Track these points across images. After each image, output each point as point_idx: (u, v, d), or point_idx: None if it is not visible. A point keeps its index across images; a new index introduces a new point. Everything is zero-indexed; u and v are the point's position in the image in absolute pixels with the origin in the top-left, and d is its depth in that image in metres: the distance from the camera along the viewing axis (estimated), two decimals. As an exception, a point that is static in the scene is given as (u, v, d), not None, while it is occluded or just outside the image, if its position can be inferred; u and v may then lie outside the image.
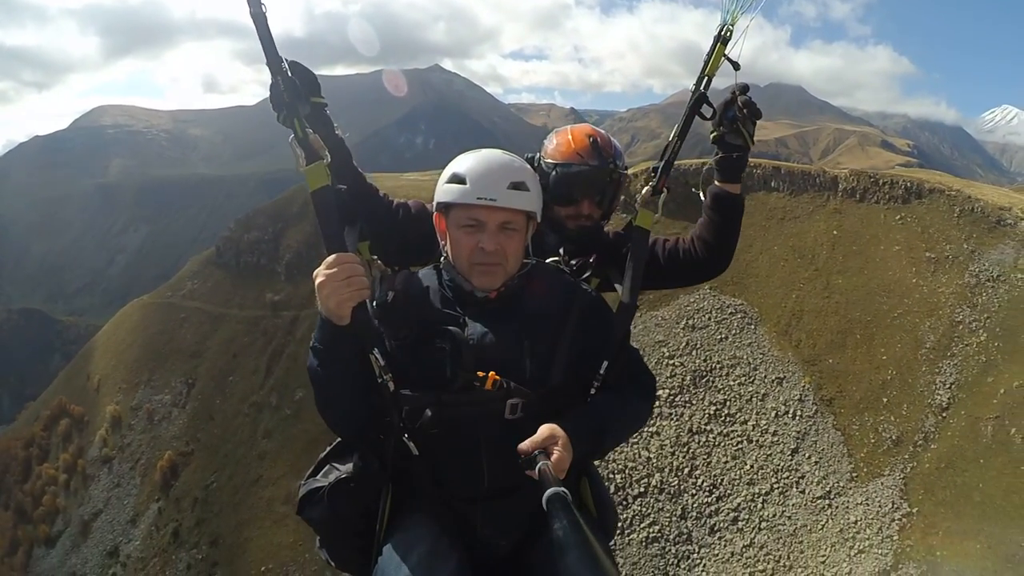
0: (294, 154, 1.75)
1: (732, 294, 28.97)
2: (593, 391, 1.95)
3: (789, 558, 22.89)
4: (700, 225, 2.35)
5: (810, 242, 29.26)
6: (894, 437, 23.00)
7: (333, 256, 1.61)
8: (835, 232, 29.69)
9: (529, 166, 1.93)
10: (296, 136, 1.74)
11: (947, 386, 23.66)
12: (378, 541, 1.74)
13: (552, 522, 1.26)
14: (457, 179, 1.78)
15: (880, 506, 21.74)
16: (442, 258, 1.91)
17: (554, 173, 2.27)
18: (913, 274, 27.27)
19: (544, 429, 1.64)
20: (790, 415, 25.30)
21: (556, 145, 2.34)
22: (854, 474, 23.01)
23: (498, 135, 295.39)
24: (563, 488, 1.35)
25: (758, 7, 2.10)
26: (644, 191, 2.22)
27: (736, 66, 2.12)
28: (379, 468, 1.79)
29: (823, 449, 23.94)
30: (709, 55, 2.12)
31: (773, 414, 25.31)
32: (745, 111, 2.09)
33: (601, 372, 1.92)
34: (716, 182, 2.26)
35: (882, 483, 22.32)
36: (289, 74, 1.76)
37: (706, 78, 2.14)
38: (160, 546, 33.18)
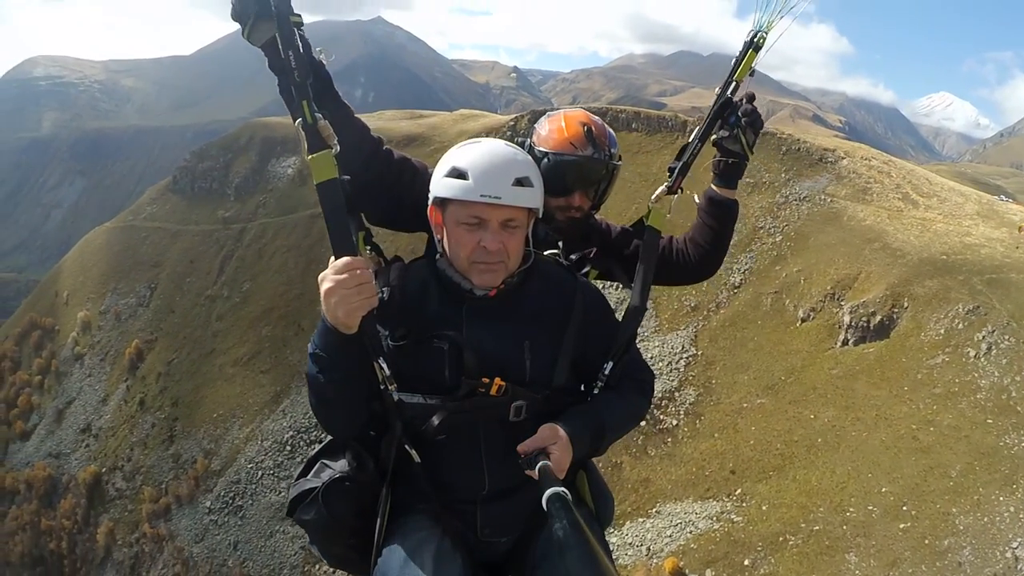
0: (300, 140, 1.56)
1: (581, 205, 38.83)
2: (595, 390, 1.89)
3: (592, 382, 31.85)
4: (694, 228, 2.29)
5: (655, 169, 37.53)
6: (693, 304, 31.36)
7: (343, 261, 1.49)
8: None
9: (532, 158, 1.80)
10: (304, 121, 1.54)
11: (742, 271, 32.09)
12: (378, 542, 1.66)
13: (552, 522, 1.26)
14: (458, 173, 1.64)
15: (672, 348, 30.11)
16: (437, 255, 1.79)
17: (546, 161, 2.06)
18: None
19: (544, 429, 1.63)
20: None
21: (549, 132, 2.14)
22: (657, 328, 31.29)
23: (439, 91, 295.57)
24: (563, 488, 1.34)
25: (797, 13, 2.05)
26: (659, 191, 2.16)
27: (751, 72, 2.09)
28: (374, 466, 1.73)
29: (635, 313, 32.09)
30: (738, 61, 2.07)
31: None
32: (744, 120, 2.05)
33: (605, 373, 1.87)
34: (712, 186, 2.21)
35: (677, 334, 30.67)
36: (301, 48, 1.55)
37: (734, 83, 2.07)
38: (128, 414, 40.23)
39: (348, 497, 1.70)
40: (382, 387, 1.67)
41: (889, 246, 30.02)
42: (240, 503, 32.75)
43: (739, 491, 23.60)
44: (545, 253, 2.00)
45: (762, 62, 2.10)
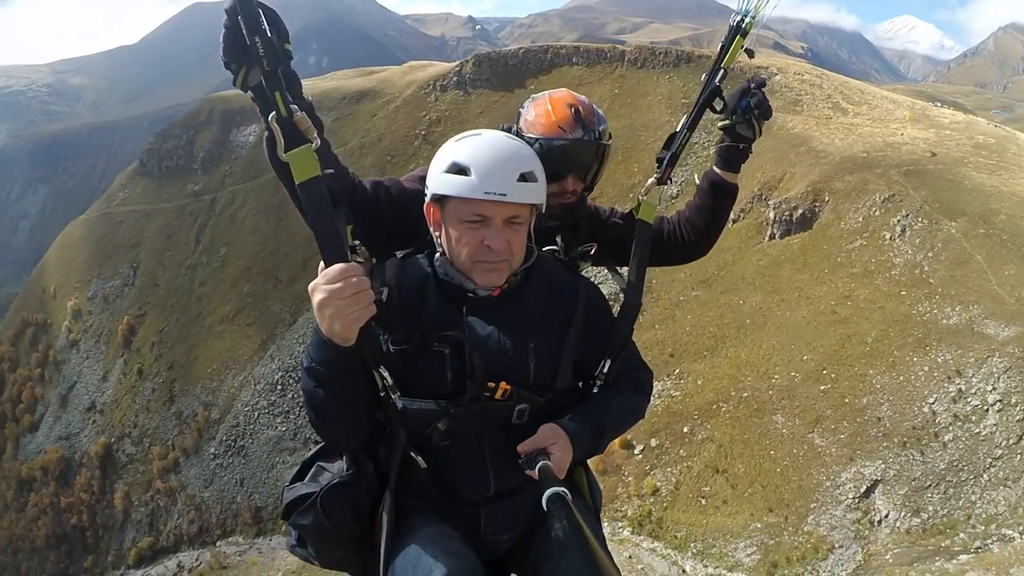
0: (275, 136, 1.41)
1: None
2: (594, 389, 1.87)
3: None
4: (691, 208, 2.28)
5: (596, 99, 38.64)
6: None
7: (335, 269, 1.36)
8: (616, 91, 40.48)
9: (535, 152, 1.75)
10: (278, 115, 1.39)
11: (678, 183, 34.35)
12: (387, 545, 1.61)
13: (552, 522, 1.26)
14: (459, 169, 1.59)
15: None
16: (437, 254, 1.73)
17: (537, 147, 1.96)
18: (668, 115, 37.92)
19: (544, 429, 1.65)
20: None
21: (536, 117, 2.09)
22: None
23: (394, 48, 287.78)
24: (563, 488, 1.34)
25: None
26: (649, 182, 2.17)
27: (751, 54, 2.08)
28: (374, 470, 1.70)
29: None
30: (725, 47, 2.05)
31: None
32: (756, 111, 2.04)
33: (605, 371, 1.87)
34: (716, 168, 2.20)
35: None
36: (268, 32, 1.36)
37: (722, 70, 2.06)
38: (128, 385, 42.87)
39: (347, 502, 1.65)
40: (383, 395, 1.60)
41: (813, 149, 32.30)
42: (242, 443, 35.79)
43: (677, 371, 26.36)
44: (544, 249, 1.95)
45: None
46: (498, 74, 45.99)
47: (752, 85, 2.06)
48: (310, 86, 54.73)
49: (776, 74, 39.92)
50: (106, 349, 45.80)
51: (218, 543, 34.26)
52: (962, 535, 16.86)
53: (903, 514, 18.28)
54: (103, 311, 47.52)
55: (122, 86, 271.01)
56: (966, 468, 18.25)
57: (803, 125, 35.19)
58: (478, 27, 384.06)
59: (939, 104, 51.42)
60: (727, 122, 2.09)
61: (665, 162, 2.18)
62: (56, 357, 47.82)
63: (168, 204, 50.41)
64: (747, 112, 2.04)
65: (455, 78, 46.49)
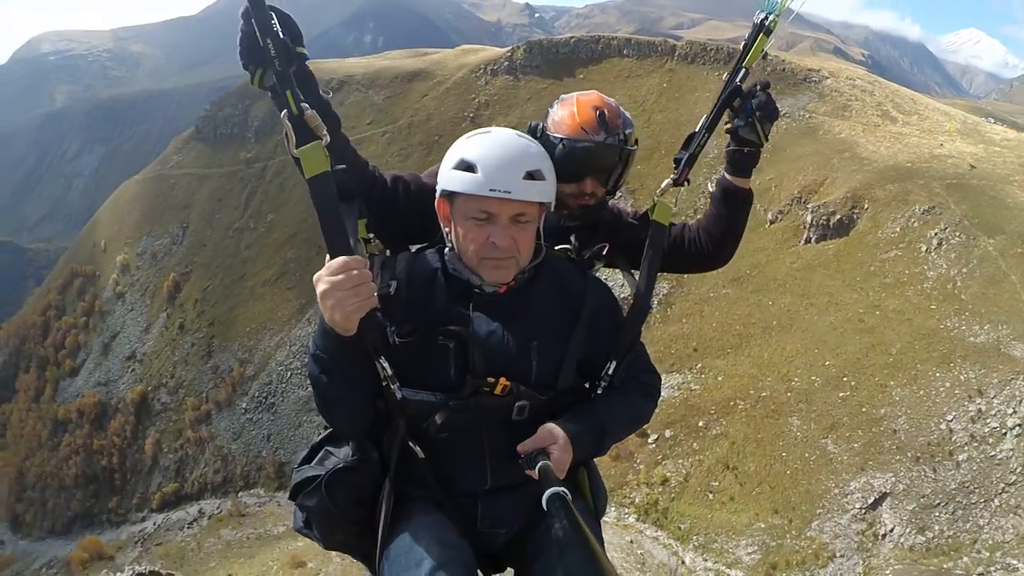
0: (285, 133, 1.48)
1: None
2: (598, 390, 1.87)
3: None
4: (707, 217, 2.26)
5: (644, 92, 39.80)
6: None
7: (338, 262, 1.43)
8: (665, 84, 40.37)
9: (544, 150, 1.77)
10: (289, 113, 1.46)
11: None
12: (383, 532, 1.65)
13: (552, 522, 1.26)
14: (466, 166, 1.61)
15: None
16: (447, 249, 1.76)
17: (560, 147, 2.00)
18: (715, 111, 37.81)
19: (544, 430, 1.65)
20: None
21: (561, 118, 2.08)
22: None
23: (450, 32, 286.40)
24: (563, 488, 1.33)
25: None
26: (664, 183, 2.14)
27: (764, 55, 2.03)
28: (378, 457, 1.74)
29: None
30: (748, 46, 2.00)
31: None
32: (758, 113, 1.98)
33: (609, 373, 1.86)
34: (726, 174, 2.18)
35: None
36: (280, 34, 1.45)
37: (743, 69, 2.01)
38: (169, 338, 44.65)
39: (350, 487, 1.70)
40: (384, 384, 1.63)
41: (858, 155, 31.76)
42: (272, 401, 37.05)
43: (699, 365, 26.45)
44: (556, 248, 1.98)
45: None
46: (548, 61, 46.16)
47: (757, 87, 2.01)
48: (364, 64, 56.22)
49: (827, 77, 39.29)
50: (150, 303, 47.64)
51: (240, 494, 35.65)
52: (965, 559, 16.61)
53: (908, 530, 18.07)
54: (150, 267, 49.42)
55: (180, 55, 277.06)
56: (977, 490, 17.95)
57: (849, 130, 34.70)
58: (536, 15, 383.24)
59: (992, 120, 49.82)
60: (729, 125, 2.06)
61: (683, 163, 2.14)
62: (102, 307, 49.92)
63: (220, 169, 51.97)
64: (750, 115, 1.99)
65: (506, 63, 46.92)
